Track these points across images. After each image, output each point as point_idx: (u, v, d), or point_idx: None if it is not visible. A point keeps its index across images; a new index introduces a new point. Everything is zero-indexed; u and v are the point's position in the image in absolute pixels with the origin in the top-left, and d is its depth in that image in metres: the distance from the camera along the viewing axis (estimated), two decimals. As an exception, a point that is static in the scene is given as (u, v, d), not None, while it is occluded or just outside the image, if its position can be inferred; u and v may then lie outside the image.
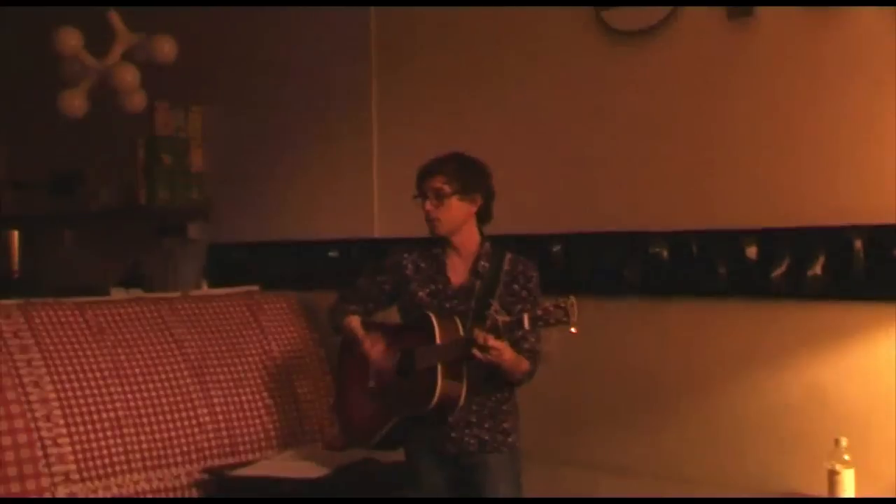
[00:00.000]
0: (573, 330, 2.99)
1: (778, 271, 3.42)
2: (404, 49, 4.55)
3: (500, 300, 3.28)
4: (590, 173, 3.93)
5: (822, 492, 3.12)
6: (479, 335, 3.13)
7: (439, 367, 3.25)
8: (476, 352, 3.14)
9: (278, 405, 4.31)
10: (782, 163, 3.46)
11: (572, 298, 3.00)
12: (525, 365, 3.31)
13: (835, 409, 3.27)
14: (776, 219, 3.44)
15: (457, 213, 3.37)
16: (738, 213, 3.54)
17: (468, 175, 3.38)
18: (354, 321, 3.55)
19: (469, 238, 3.43)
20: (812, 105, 3.39)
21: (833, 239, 3.30)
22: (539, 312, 3.07)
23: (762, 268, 3.46)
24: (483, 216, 3.44)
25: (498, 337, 3.13)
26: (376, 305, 3.58)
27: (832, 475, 3.07)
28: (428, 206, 3.36)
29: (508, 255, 3.40)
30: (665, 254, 3.70)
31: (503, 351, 3.17)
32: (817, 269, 3.34)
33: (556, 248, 3.97)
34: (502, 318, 3.14)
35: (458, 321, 3.31)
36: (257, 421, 4.22)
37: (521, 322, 3.10)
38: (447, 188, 3.35)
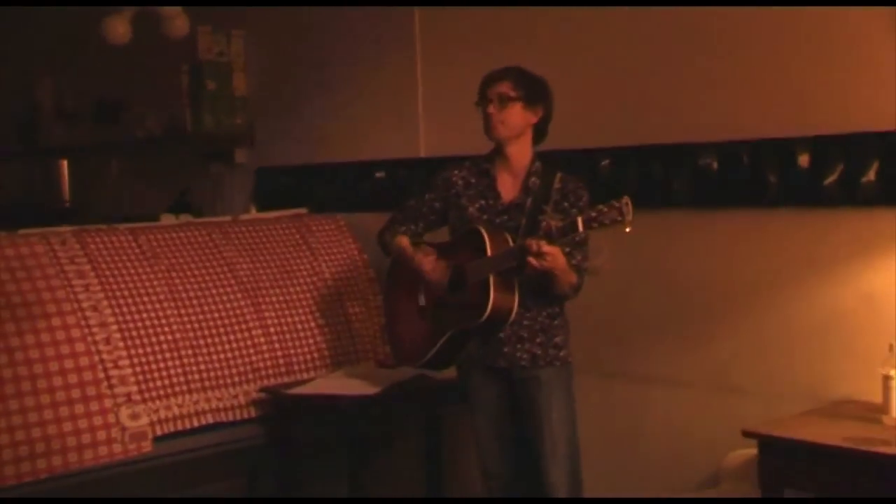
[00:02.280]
0: (628, 229, 2.97)
1: (830, 179, 3.38)
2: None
3: (548, 211, 3.27)
4: (637, 85, 3.89)
5: (876, 397, 3.13)
6: (533, 241, 3.13)
7: (491, 279, 3.26)
8: (531, 259, 3.13)
9: (330, 325, 4.36)
10: (832, 68, 3.39)
11: (626, 198, 2.95)
12: (573, 277, 3.31)
13: (889, 315, 3.25)
14: (827, 125, 3.38)
15: (517, 120, 3.37)
16: (788, 120, 3.49)
17: (534, 85, 3.39)
18: (404, 240, 3.56)
19: (523, 152, 3.42)
20: (861, 8, 3.32)
21: (887, 144, 3.25)
22: (593, 214, 3.03)
23: (814, 176, 3.42)
24: (539, 133, 3.44)
25: (551, 242, 3.12)
26: (427, 224, 3.59)
27: (886, 380, 3.06)
28: (491, 108, 3.35)
29: (559, 174, 3.38)
30: (715, 165, 3.67)
31: (556, 256, 3.15)
32: (871, 176, 3.29)
33: (605, 162, 3.95)
34: (555, 223, 3.12)
35: (508, 236, 3.32)
36: (311, 341, 4.27)
37: (574, 224, 3.06)
38: (513, 93, 3.35)
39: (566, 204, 3.35)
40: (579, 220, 3.05)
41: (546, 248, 3.11)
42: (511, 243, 3.28)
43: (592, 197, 3.43)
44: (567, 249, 3.24)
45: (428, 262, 3.46)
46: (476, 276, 3.31)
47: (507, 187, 3.43)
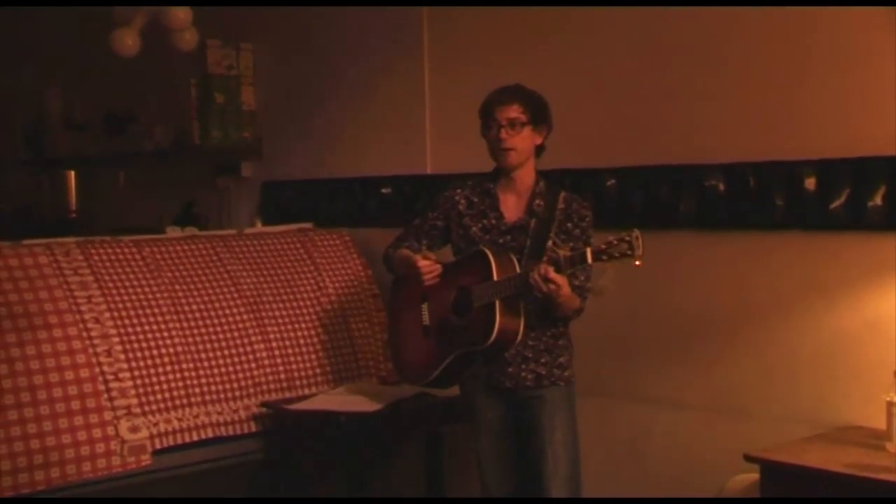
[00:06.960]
0: (637, 263, 2.96)
1: (837, 202, 3.36)
2: (455, -17, 4.50)
3: (554, 239, 3.26)
4: (644, 106, 3.88)
5: (880, 424, 3.10)
6: (544, 269, 3.11)
7: (497, 304, 3.24)
8: (540, 285, 3.12)
9: (333, 341, 4.35)
10: (839, 91, 3.38)
11: (636, 231, 2.97)
12: (577, 302, 3.31)
13: (894, 341, 3.23)
14: (834, 149, 3.37)
15: (527, 145, 3.36)
16: (795, 143, 3.47)
17: (538, 104, 3.36)
18: (406, 250, 3.54)
19: (528, 173, 3.41)
20: (868, 32, 3.31)
21: (894, 168, 3.23)
22: (602, 246, 3.03)
23: (820, 199, 3.40)
24: (539, 150, 3.42)
25: (558, 271, 3.12)
26: (430, 242, 3.58)
27: (890, 407, 3.04)
28: (503, 134, 3.32)
29: (563, 194, 3.38)
30: (721, 186, 3.66)
31: (562, 285, 3.15)
32: (877, 200, 3.27)
33: (611, 182, 3.94)
34: (563, 253, 3.12)
35: (513, 258, 3.30)
36: (313, 356, 4.26)
37: (583, 256, 3.06)
38: (523, 117, 3.32)
39: (569, 224, 3.34)
40: (588, 251, 3.05)
41: (553, 276, 3.10)
42: (517, 266, 3.26)
43: (598, 217, 3.43)
44: (570, 271, 3.22)
45: (429, 275, 3.40)
46: (482, 300, 3.29)
47: (511, 207, 3.41)
